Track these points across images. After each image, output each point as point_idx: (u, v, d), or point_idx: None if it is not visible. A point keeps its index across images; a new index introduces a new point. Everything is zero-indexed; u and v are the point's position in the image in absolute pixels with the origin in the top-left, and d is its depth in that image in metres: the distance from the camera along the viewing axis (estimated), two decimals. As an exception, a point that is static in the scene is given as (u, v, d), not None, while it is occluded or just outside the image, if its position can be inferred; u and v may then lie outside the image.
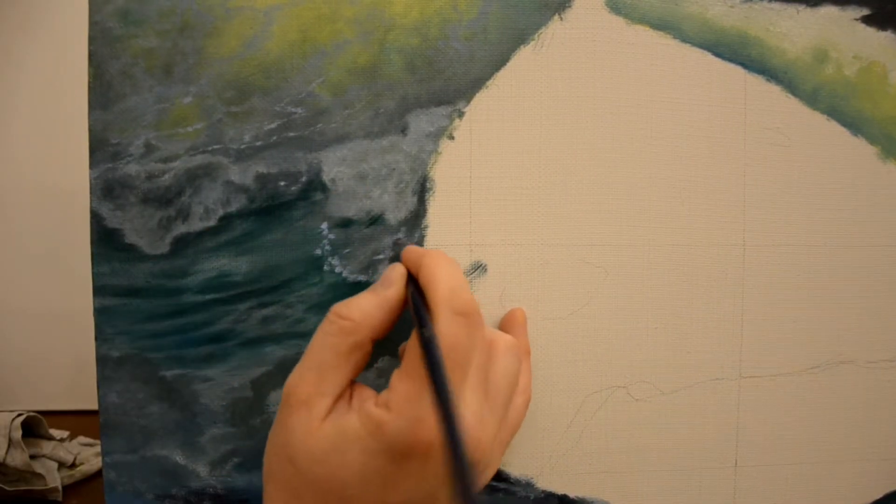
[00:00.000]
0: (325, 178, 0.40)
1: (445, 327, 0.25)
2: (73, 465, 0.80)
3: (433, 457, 0.25)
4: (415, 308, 0.28)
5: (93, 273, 0.39)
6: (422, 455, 0.25)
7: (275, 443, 0.29)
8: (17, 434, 0.76)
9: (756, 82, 0.43)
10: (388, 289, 0.29)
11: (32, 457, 0.77)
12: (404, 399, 0.25)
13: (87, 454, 0.83)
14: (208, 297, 0.39)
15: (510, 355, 0.29)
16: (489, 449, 0.27)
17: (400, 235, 0.38)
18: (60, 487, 0.76)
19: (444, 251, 0.30)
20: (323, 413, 0.26)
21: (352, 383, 0.29)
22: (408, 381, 0.26)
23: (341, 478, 0.26)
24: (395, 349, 0.40)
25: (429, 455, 0.25)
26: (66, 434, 0.85)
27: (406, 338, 0.32)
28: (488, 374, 0.28)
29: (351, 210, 0.40)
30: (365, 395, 0.28)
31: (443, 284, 0.27)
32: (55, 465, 0.78)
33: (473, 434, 0.26)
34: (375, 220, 0.40)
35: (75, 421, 0.87)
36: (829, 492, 0.45)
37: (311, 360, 0.27)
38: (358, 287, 0.40)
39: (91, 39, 0.38)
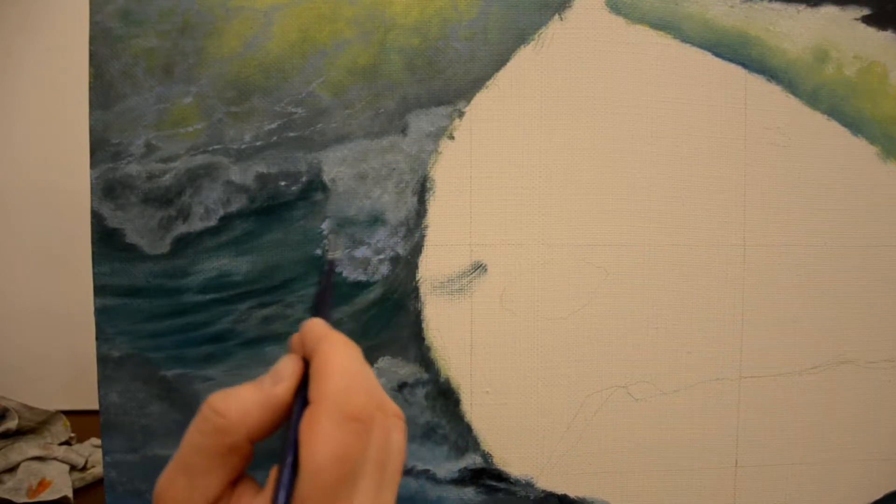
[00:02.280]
0: (326, 178, 0.40)
1: (331, 435, 0.22)
2: (84, 468, 0.80)
3: None
4: (293, 416, 0.24)
5: (93, 273, 0.39)
6: None
7: None
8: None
9: (756, 82, 0.43)
10: (275, 385, 0.25)
11: (43, 459, 0.77)
12: None
13: (99, 456, 0.83)
14: (209, 296, 0.39)
15: (398, 431, 0.26)
16: None
17: (333, 257, 0.32)
18: (71, 493, 0.76)
19: (344, 336, 0.26)
20: None
21: (235, 482, 0.25)
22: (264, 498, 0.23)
23: None
24: (397, 349, 0.40)
25: None
26: (73, 435, 0.85)
27: None
28: (387, 464, 0.25)
29: (351, 210, 0.40)
30: (244, 499, 0.24)
31: (333, 381, 0.23)
32: (67, 467, 0.78)
33: None
34: (376, 220, 0.40)
35: (75, 421, 0.87)
36: (829, 492, 0.45)
37: (181, 461, 0.24)
38: (357, 287, 0.40)
39: (92, 39, 0.38)
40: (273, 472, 0.23)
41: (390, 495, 0.25)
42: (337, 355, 0.24)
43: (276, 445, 0.24)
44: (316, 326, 0.26)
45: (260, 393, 0.24)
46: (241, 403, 0.24)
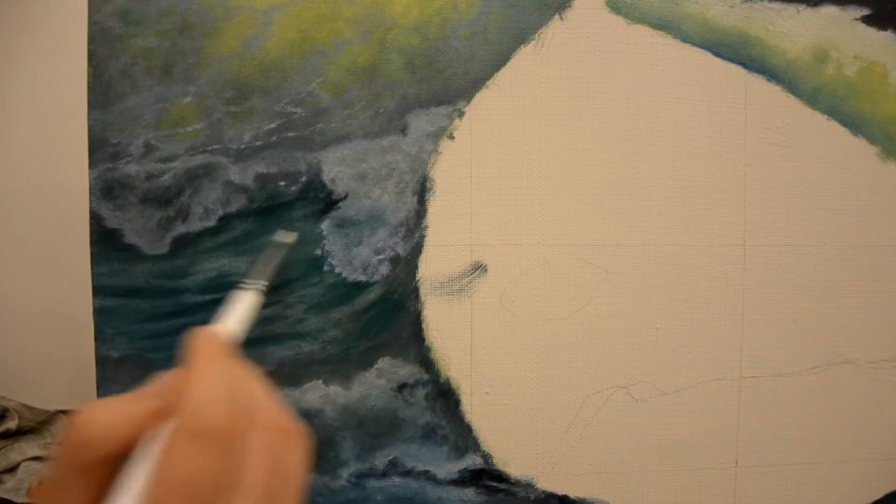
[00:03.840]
0: (325, 178, 0.40)
1: (177, 458, 0.20)
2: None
3: None
4: None
5: (92, 273, 0.39)
6: None
7: None
8: None
9: (756, 82, 0.43)
10: (155, 399, 0.22)
11: (43, 459, 0.77)
12: None
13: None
14: (208, 297, 0.39)
15: (293, 448, 0.24)
16: None
17: (246, 282, 0.31)
18: None
19: (220, 346, 0.25)
20: None
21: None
22: None
23: None
24: (397, 349, 0.40)
25: None
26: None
27: None
28: (276, 488, 0.23)
29: (351, 210, 0.40)
30: None
31: (189, 396, 0.21)
32: None
33: None
34: (375, 221, 0.40)
35: (75, 421, 0.87)
36: (829, 491, 0.45)
37: (55, 468, 0.22)
38: (357, 287, 0.40)
39: (90, 39, 0.38)
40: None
41: None
42: (199, 367, 0.23)
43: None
44: (194, 339, 0.24)
45: (136, 407, 0.22)
46: (109, 417, 0.21)
